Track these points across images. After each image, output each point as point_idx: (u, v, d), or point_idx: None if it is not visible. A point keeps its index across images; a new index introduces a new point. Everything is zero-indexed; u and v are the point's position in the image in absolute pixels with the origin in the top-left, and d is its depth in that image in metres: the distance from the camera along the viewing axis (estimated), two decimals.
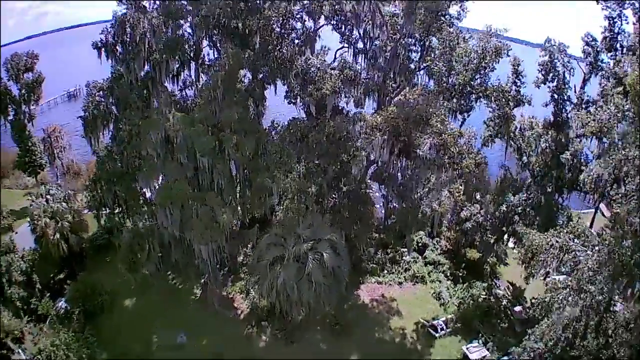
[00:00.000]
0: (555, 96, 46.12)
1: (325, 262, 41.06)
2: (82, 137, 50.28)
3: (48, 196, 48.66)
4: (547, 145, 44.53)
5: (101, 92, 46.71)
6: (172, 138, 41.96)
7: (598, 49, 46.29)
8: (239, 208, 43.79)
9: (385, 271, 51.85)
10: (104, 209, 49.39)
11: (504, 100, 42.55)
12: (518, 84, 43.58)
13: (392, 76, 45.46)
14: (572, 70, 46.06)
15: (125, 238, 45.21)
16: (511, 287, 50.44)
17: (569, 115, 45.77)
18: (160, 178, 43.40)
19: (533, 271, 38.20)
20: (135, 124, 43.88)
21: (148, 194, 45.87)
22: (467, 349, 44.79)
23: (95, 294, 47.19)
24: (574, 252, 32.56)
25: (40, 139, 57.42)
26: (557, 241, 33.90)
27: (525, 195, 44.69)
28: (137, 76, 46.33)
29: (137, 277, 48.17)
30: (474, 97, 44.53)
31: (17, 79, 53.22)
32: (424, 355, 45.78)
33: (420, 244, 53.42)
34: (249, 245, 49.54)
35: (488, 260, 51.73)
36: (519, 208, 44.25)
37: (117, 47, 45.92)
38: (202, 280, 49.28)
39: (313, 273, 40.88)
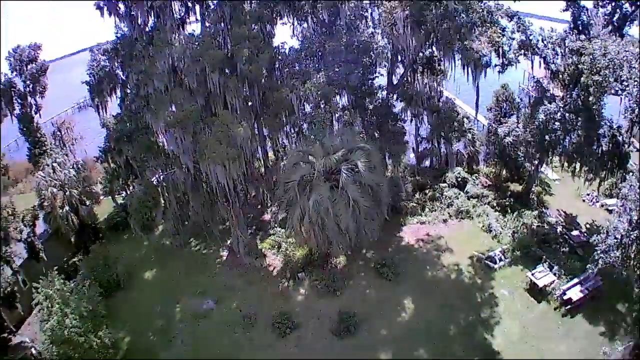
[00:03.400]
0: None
1: (361, 175, 31.30)
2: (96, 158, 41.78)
3: (55, 164, 39.27)
4: (574, 45, 35.77)
5: (106, 55, 38.82)
6: (179, 65, 33.91)
7: None
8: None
9: (427, 209, 41.40)
10: (117, 181, 40.05)
11: None
12: None
13: None
14: None
15: (136, 193, 35.67)
16: (563, 214, 40.06)
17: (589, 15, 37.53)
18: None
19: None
20: (141, 71, 35.61)
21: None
22: (532, 275, 34.05)
23: (109, 266, 36.87)
24: None
25: (51, 132, 49.39)
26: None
27: (562, 102, 35.60)
28: (141, 31, 38.48)
29: (152, 238, 38.23)
30: None
31: (20, 72, 46.22)
32: (486, 290, 34.83)
33: (459, 179, 43.13)
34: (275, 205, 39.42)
35: (533, 189, 41.63)
36: (558, 114, 35.02)
37: (120, 5, 38.35)
38: (228, 242, 39.06)
39: (348, 189, 31.00)
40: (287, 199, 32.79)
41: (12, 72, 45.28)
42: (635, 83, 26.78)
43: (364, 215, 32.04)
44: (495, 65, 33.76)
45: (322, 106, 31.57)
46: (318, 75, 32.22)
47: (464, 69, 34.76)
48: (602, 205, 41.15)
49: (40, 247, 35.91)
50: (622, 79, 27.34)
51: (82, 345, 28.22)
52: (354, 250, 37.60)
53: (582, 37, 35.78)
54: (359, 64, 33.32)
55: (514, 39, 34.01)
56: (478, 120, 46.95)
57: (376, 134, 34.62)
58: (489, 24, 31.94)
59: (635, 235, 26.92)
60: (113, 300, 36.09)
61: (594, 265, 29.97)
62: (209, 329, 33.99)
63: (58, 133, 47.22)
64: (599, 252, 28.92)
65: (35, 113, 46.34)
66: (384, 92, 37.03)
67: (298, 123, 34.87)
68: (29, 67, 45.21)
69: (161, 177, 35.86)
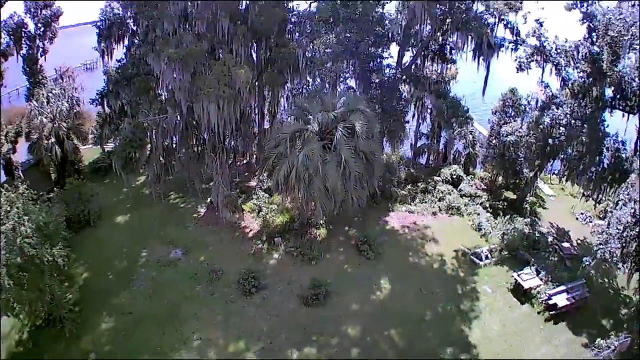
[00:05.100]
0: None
1: (357, 139, 29.73)
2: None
3: (50, 94, 37.81)
4: (587, 51, 34.99)
5: (120, 2, 38.02)
6: (192, 12, 33.04)
7: None
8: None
9: (417, 200, 39.59)
10: (108, 127, 38.44)
11: None
12: None
13: None
14: None
15: (124, 131, 33.96)
16: (555, 227, 38.34)
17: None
18: None
19: None
20: (151, 17, 34.74)
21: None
22: (518, 275, 32.02)
23: (83, 202, 34.80)
24: None
25: (53, 79, 48.16)
26: None
27: (569, 109, 34.60)
28: None
29: (132, 185, 36.02)
30: None
31: (34, 15, 45.34)
32: (469, 284, 32.72)
33: (454, 176, 41.50)
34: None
35: (527, 199, 40.03)
36: (564, 120, 33.96)
37: None
38: (209, 200, 37.13)
39: (342, 149, 29.35)
40: (276, 153, 31.16)
41: (26, 13, 44.69)
42: None
43: (354, 182, 30.26)
44: (510, 43, 32.88)
45: (328, 65, 30.38)
46: (328, 37, 31.30)
47: (475, 56, 33.94)
48: (593, 229, 39.37)
49: (18, 165, 33.86)
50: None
51: (32, 259, 24.84)
52: (335, 224, 36.00)
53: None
54: (371, 32, 32.42)
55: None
56: (480, 132, 45.90)
57: (377, 108, 33.31)
58: None
59: (637, 231, 25.21)
60: (80, 237, 33.72)
61: (592, 259, 28.13)
62: (171, 278, 31.80)
63: (60, 80, 46.07)
64: (598, 243, 27.20)
65: (41, 56, 45.46)
66: (392, 71, 36.00)
67: (301, 83, 33.61)
68: (43, 11, 44.67)
69: (152, 120, 34.29)
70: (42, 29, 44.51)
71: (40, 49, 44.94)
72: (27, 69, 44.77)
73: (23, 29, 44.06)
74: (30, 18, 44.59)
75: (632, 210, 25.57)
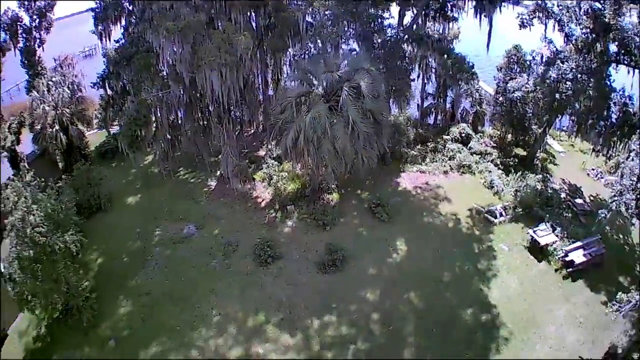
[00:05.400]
0: None
1: (363, 99, 29.10)
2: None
3: (50, 82, 37.43)
4: (589, 7, 34.14)
5: None
6: None
7: None
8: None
9: (428, 160, 39.07)
10: (112, 109, 38.04)
11: None
12: None
13: None
14: None
15: (128, 110, 33.45)
16: (567, 183, 37.64)
17: None
18: None
19: None
20: None
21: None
22: (534, 232, 31.51)
23: (92, 186, 34.41)
24: None
25: (52, 68, 47.85)
26: None
27: (574, 63, 33.84)
28: None
29: (140, 166, 35.51)
30: None
31: (28, 8, 44.52)
32: (485, 242, 32.23)
33: (463, 135, 40.88)
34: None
35: (538, 155, 39.38)
36: (570, 74, 33.22)
37: None
38: (218, 173, 36.71)
39: (348, 108, 28.72)
40: (282, 119, 30.58)
41: (20, 7, 44.21)
42: None
43: (363, 142, 29.70)
44: None
45: (329, 27, 29.75)
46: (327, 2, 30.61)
47: (476, 12, 33.22)
48: (607, 182, 38.83)
49: (23, 157, 33.50)
50: None
51: (44, 249, 24.31)
52: (347, 188, 35.65)
53: None
54: None
55: None
56: (486, 91, 45.17)
57: (381, 68, 32.69)
58: None
59: None
60: (92, 222, 33.53)
61: (607, 211, 27.59)
62: (186, 254, 31.46)
63: (59, 69, 45.65)
64: (612, 195, 26.82)
65: (39, 47, 44.98)
66: (394, 31, 35.32)
67: (303, 48, 32.99)
68: (36, 3, 44.12)
69: (155, 96, 33.77)
70: (37, 20, 43.97)
71: (37, 40, 44.36)
72: (26, 61, 44.13)
73: (18, 23, 43.60)
74: (24, 11, 44.20)
75: None
